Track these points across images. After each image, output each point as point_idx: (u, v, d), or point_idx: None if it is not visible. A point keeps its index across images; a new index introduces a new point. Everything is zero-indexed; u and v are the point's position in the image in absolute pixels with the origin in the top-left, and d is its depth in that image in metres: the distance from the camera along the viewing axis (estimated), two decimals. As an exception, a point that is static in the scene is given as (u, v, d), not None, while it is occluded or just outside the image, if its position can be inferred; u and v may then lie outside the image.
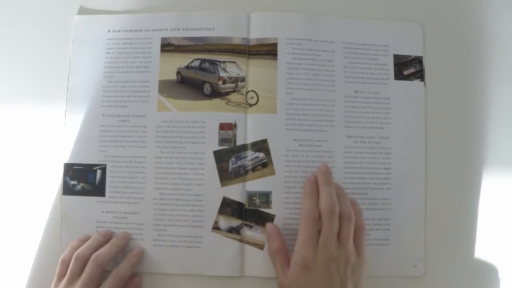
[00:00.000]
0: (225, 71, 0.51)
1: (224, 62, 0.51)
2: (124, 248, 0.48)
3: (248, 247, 0.48)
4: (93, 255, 0.45)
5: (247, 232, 0.49)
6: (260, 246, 0.48)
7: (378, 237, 0.49)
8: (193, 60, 0.51)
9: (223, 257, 0.48)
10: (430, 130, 0.51)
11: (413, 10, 0.53)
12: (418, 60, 0.52)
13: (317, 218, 0.43)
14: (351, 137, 0.50)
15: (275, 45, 0.51)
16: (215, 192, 0.49)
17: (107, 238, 0.48)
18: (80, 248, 0.45)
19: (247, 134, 0.50)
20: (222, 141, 0.49)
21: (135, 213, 0.49)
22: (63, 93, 0.51)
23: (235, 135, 0.49)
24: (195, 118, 0.50)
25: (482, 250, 0.50)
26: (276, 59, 0.51)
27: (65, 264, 0.45)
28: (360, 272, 0.44)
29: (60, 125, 0.51)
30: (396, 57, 0.52)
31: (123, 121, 0.50)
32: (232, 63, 0.51)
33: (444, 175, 0.51)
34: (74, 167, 0.50)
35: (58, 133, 0.51)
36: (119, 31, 0.52)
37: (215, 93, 0.50)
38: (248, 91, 0.50)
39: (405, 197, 0.50)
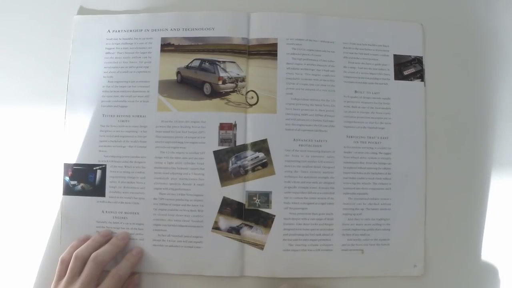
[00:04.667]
0: (225, 71, 0.51)
1: (224, 62, 0.51)
2: (124, 248, 0.48)
3: (248, 247, 0.48)
4: (93, 255, 0.44)
5: (247, 232, 0.49)
6: (260, 246, 0.48)
7: (378, 237, 0.49)
8: (193, 60, 0.51)
9: (223, 257, 0.48)
10: (430, 130, 0.51)
11: (413, 10, 0.53)
12: (418, 60, 0.52)
13: None
14: (351, 137, 0.50)
15: (275, 45, 0.51)
16: (215, 192, 0.49)
17: (107, 238, 0.48)
18: (80, 248, 0.45)
19: (247, 134, 0.49)
20: (222, 141, 0.49)
21: (135, 213, 0.49)
22: (63, 93, 0.51)
23: (235, 135, 0.49)
24: (195, 118, 0.50)
25: (482, 250, 0.50)
26: (276, 59, 0.51)
27: (65, 263, 0.45)
28: None
29: (60, 125, 0.51)
30: (396, 57, 0.52)
31: (123, 121, 0.50)
32: (232, 63, 0.51)
33: (444, 175, 0.51)
34: (74, 167, 0.50)
35: (58, 133, 0.51)
36: (119, 31, 0.52)
37: (215, 93, 0.50)
38: (248, 91, 0.50)
39: (405, 197, 0.50)
